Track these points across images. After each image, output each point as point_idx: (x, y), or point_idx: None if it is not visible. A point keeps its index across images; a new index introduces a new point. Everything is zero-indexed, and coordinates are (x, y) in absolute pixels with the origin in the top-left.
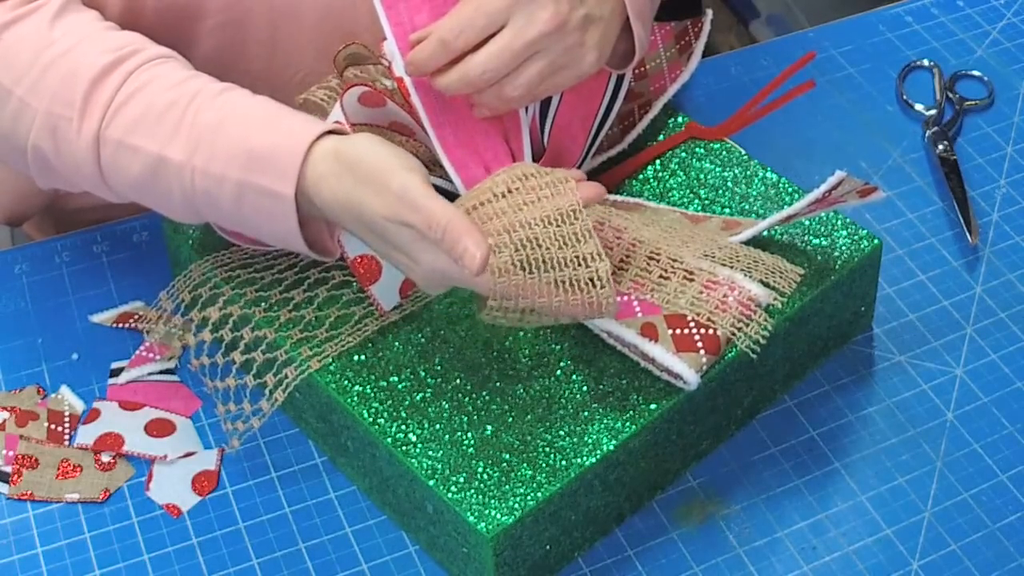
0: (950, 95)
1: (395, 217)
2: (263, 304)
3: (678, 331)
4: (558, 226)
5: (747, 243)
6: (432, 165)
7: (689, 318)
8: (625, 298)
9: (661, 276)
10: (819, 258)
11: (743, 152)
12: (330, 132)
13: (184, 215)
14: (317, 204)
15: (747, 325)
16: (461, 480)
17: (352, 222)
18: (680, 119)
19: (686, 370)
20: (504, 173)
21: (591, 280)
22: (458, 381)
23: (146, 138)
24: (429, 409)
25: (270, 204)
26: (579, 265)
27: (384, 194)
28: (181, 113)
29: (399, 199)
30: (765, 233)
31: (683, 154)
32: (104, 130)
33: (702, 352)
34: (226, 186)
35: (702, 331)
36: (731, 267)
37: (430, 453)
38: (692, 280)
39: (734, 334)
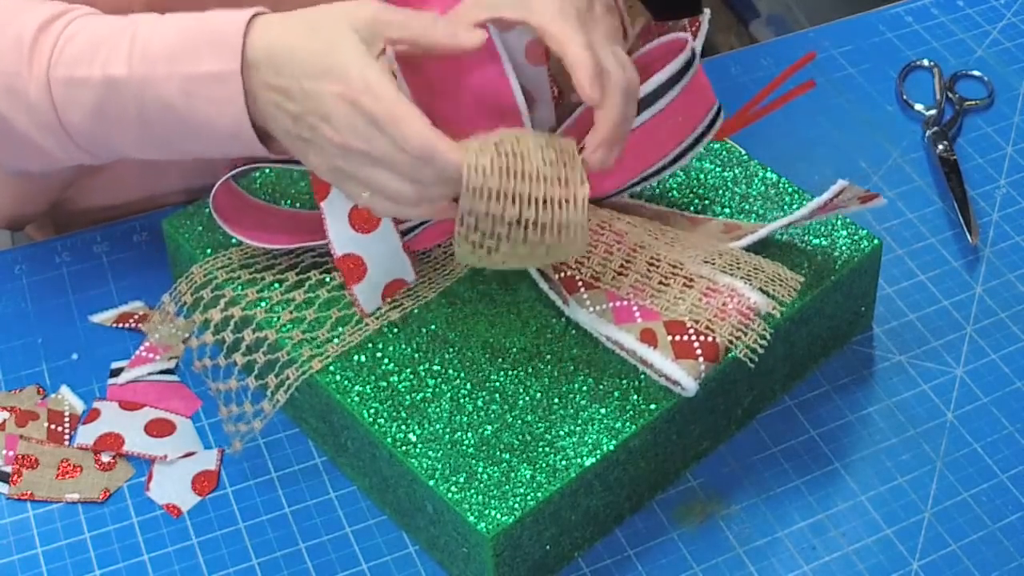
0: (950, 95)
1: (372, 17)
2: (264, 305)
3: (677, 338)
4: (547, 149)
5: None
6: None
7: (688, 325)
8: (624, 303)
9: (661, 282)
10: (819, 258)
11: (743, 152)
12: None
13: (143, 144)
14: (262, 53)
15: (745, 333)
16: (461, 480)
17: (302, 49)
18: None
19: (684, 377)
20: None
21: (567, 200)
22: (458, 381)
23: (90, 67)
24: (429, 409)
25: (218, 90)
26: (560, 185)
27: (360, 6)
28: (119, 37)
29: (381, 7)
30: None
31: None
32: (52, 72)
33: (701, 359)
34: (173, 84)
35: (701, 338)
36: (731, 274)
37: (430, 453)
38: (692, 287)
39: (732, 342)
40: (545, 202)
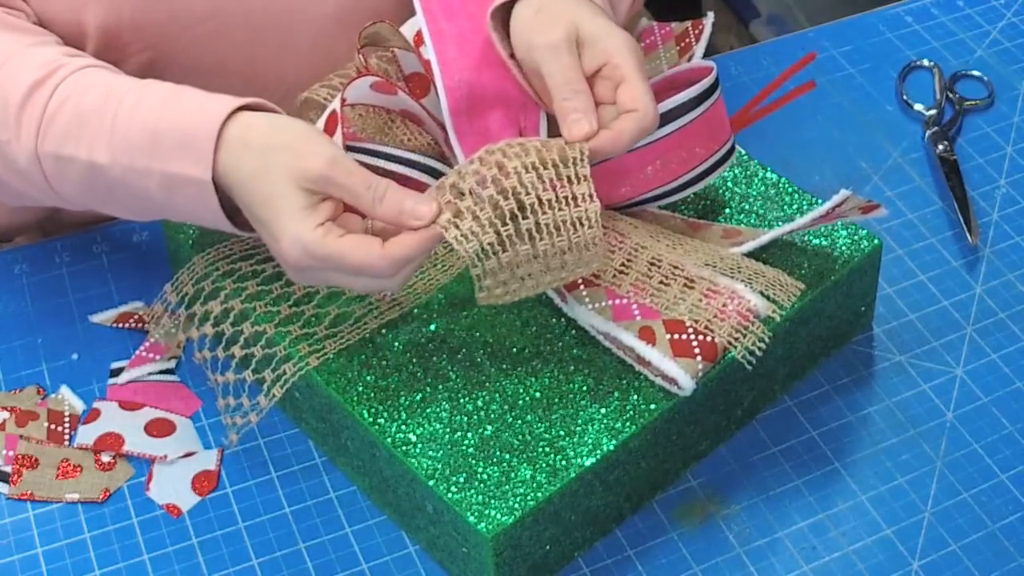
0: (950, 95)
1: (319, 176)
2: (263, 299)
3: (676, 336)
4: (545, 169)
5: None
6: (438, 157)
7: (687, 324)
8: (624, 301)
9: (661, 282)
10: (819, 258)
11: (743, 152)
12: (243, 108)
13: (137, 214)
14: (223, 173)
15: (744, 335)
16: (461, 480)
17: (249, 191)
18: None
19: (682, 375)
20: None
21: (579, 220)
22: (458, 381)
23: (76, 147)
24: (429, 409)
25: (194, 192)
26: (566, 205)
27: (310, 157)
28: (101, 116)
29: (331, 162)
30: None
31: None
32: (40, 147)
33: (699, 358)
34: (153, 179)
35: (700, 338)
36: (732, 277)
37: (430, 453)
38: (692, 288)
39: (731, 343)
40: (557, 227)
